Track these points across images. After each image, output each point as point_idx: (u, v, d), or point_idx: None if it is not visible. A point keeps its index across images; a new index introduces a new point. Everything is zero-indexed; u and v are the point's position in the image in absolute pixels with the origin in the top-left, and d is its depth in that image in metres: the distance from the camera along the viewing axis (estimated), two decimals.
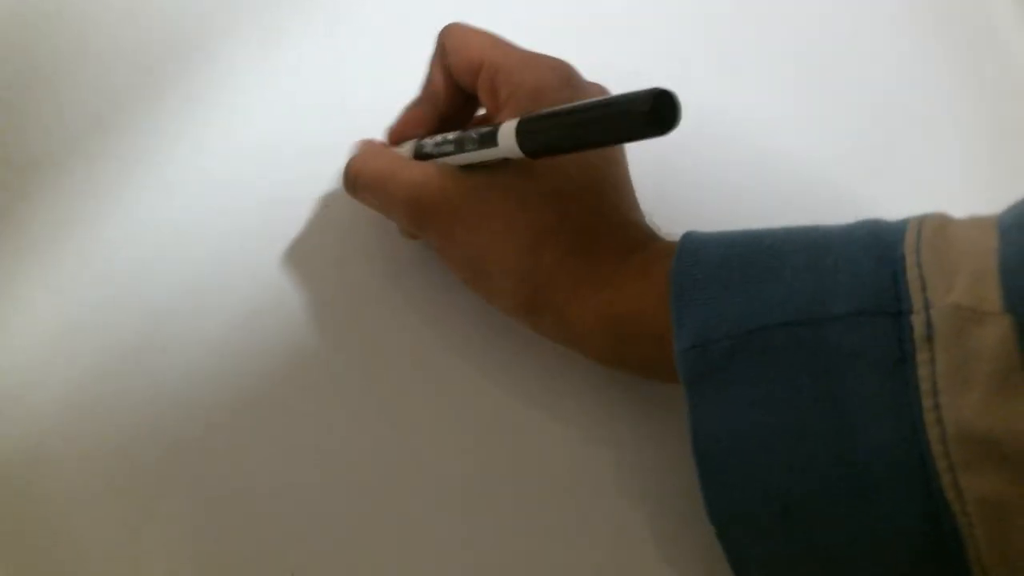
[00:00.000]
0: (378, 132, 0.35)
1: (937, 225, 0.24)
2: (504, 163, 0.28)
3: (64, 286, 0.34)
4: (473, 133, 0.28)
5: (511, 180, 0.28)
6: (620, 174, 0.30)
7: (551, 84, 0.29)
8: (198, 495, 0.31)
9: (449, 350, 0.33)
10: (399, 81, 0.35)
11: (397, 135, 0.34)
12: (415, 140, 0.33)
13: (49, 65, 0.40)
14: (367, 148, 0.34)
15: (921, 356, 0.22)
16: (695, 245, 0.27)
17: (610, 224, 0.29)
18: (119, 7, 0.41)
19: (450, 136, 0.30)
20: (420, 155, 0.32)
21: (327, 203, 0.36)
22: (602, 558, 0.30)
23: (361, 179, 0.32)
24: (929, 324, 0.22)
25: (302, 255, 0.35)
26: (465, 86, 0.32)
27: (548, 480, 0.31)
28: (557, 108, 0.25)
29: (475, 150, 0.28)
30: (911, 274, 0.23)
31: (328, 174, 0.36)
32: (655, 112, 0.21)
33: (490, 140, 0.27)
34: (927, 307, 0.22)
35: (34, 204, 0.36)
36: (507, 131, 0.26)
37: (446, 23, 0.33)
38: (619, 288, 0.27)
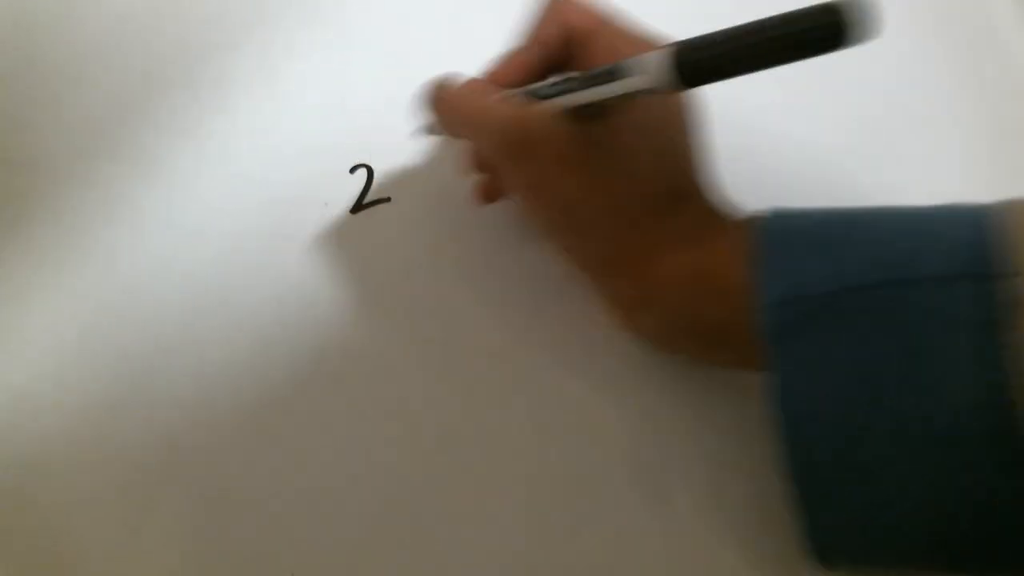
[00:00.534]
0: (403, 132, 0.35)
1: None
2: (614, 114, 0.28)
3: (64, 286, 0.34)
4: (609, 66, 0.27)
5: (615, 134, 0.29)
6: (696, 143, 0.30)
7: None
8: (198, 495, 0.31)
9: (450, 355, 0.33)
10: (411, 82, 0.35)
11: (501, 77, 0.31)
12: (520, 89, 0.31)
13: (57, 67, 0.40)
14: (464, 80, 0.32)
15: (1010, 321, 0.22)
16: (784, 212, 0.27)
17: (695, 187, 0.30)
18: (129, 11, 0.41)
19: (575, 73, 0.29)
20: (532, 96, 0.30)
21: (342, 204, 0.36)
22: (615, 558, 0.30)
23: (453, 93, 0.31)
24: (1020, 290, 0.22)
25: (312, 256, 0.35)
26: (573, 44, 0.31)
27: (551, 481, 0.31)
28: (716, 32, 0.24)
29: (608, 83, 0.27)
30: (1006, 241, 0.23)
31: (344, 172, 0.36)
32: (833, 24, 0.20)
33: (632, 70, 0.25)
34: (1019, 273, 0.22)
35: (45, 206, 0.36)
36: (655, 57, 0.24)
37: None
38: (704, 247, 0.28)
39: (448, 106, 0.32)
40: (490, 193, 0.34)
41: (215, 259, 0.35)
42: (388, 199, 0.36)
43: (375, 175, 0.37)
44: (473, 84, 0.31)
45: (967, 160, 0.38)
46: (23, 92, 0.39)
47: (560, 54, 0.31)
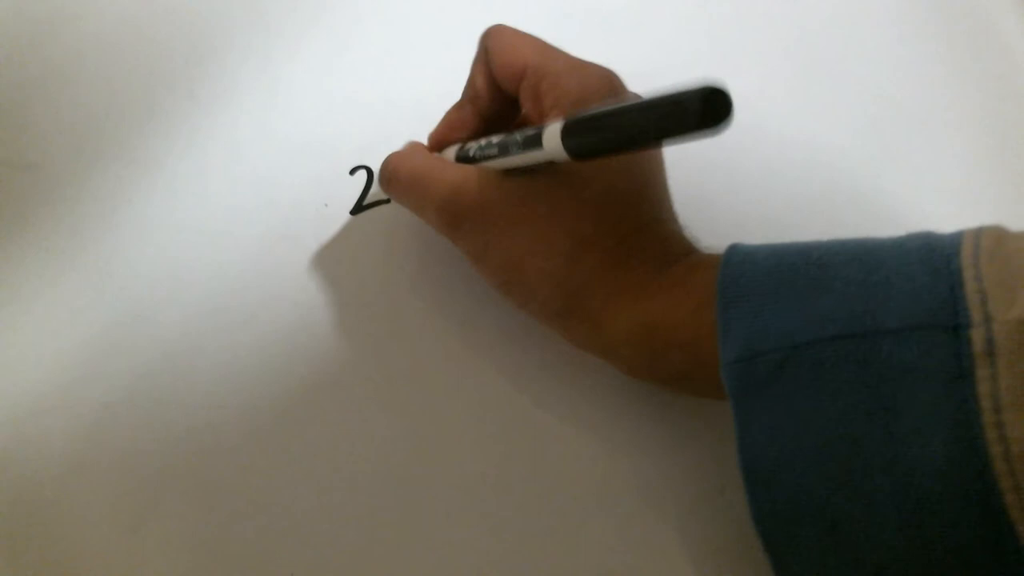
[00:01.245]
0: (402, 132, 0.35)
1: (996, 237, 0.23)
2: (546, 168, 0.28)
3: (64, 287, 0.34)
4: (518, 136, 0.27)
5: (551, 186, 0.28)
6: (660, 183, 0.30)
7: (597, 91, 0.28)
8: (198, 496, 0.31)
9: (450, 355, 0.33)
10: (433, 82, 0.35)
11: (439, 138, 0.33)
12: (458, 144, 0.32)
13: (57, 68, 0.40)
14: (408, 147, 0.33)
15: (981, 372, 0.21)
16: (740, 256, 0.26)
17: (649, 234, 0.29)
18: (129, 12, 0.41)
19: (494, 139, 0.29)
20: (463, 159, 0.31)
21: (342, 204, 0.36)
22: (624, 565, 0.30)
23: (398, 176, 0.32)
24: (991, 339, 0.21)
25: (312, 257, 0.35)
26: (508, 90, 0.31)
27: (554, 485, 0.31)
28: (603, 108, 0.24)
29: (519, 153, 0.27)
30: (970, 287, 0.22)
31: (344, 173, 0.36)
32: (707, 109, 0.20)
33: (535, 142, 0.26)
34: (988, 321, 0.21)
35: (44, 207, 0.36)
36: (552, 132, 0.25)
37: (488, 25, 0.32)
38: (654, 298, 0.27)
39: (394, 186, 0.32)
40: None
41: (215, 260, 0.35)
42: (388, 200, 0.36)
43: (375, 175, 0.37)
44: (413, 147, 0.32)
45: (967, 160, 0.38)
46: (24, 93, 0.39)
47: (497, 104, 0.32)
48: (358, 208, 0.36)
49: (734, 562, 0.29)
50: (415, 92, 0.38)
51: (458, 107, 0.33)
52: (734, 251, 0.26)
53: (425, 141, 0.36)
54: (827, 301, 0.24)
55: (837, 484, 0.23)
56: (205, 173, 0.37)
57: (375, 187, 0.36)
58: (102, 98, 0.39)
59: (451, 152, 0.32)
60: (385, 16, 0.41)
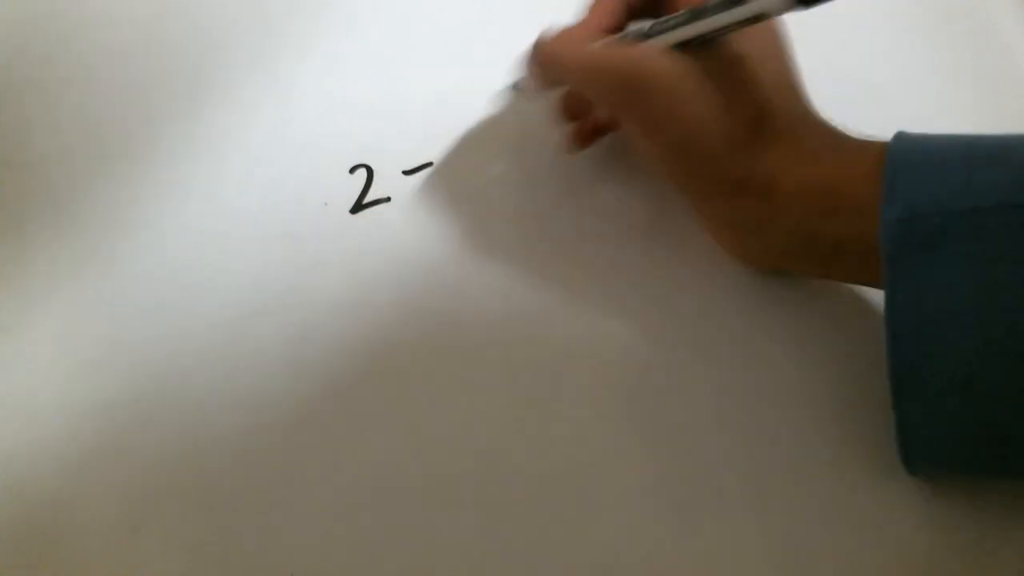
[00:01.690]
0: (402, 131, 0.36)
1: None
2: (716, 47, 0.29)
3: (63, 287, 0.34)
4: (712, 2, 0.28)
5: (722, 63, 0.29)
6: (798, 72, 0.31)
7: None
8: (198, 496, 0.31)
9: (450, 355, 0.33)
10: (433, 82, 0.36)
11: (593, 26, 0.33)
12: (611, 36, 0.32)
13: (58, 68, 0.40)
14: (557, 35, 0.33)
15: None
16: (912, 135, 0.28)
17: (813, 114, 0.31)
18: (130, 12, 0.41)
19: (679, 12, 0.30)
20: (633, 37, 0.31)
21: (342, 204, 0.36)
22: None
23: (565, 60, 0.32)
24: None
25: (312, 256, 0.35)
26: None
27: (556, 482, 0.31)
28: None
29: (719, 12, 0.28)
30: None
31: (344, 172, 0.36)
32: None
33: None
34: None
35: (44, 207, 0.36)
36: None
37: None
38: (825, 164, 0.29)
39: (553, 58, 0.32)
40: (584, 138, 0.35)
41: (214, 259, 0.35)
42: (388, 199, 0.36)
43: (375, 175, 0.37)
44: (571, 33, 0.32)
45: None
46: (24, 92, 0.39)
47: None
48: (358, 207, 0.36)
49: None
50: (415, 92, 0.38)
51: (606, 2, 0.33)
52: (904, 132, 0.28)
53: (427, 138, 0.36)
54: (995, 173, 0.25)
55: (982, 344, 0.25)
56: (205, 173, 0.37)
57: (375, 186, 0.36)
58: (102, 98, 0.39)
59: (602, 43, 0.32)
60: (385, 16, 0.41)
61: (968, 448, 0.27)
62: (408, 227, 0.35)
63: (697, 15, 0.29)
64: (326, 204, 0.36)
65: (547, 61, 0.33)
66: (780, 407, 0.31)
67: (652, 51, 0.30)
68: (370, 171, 0.37)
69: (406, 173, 0.37)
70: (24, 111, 0.39)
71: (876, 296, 0.32)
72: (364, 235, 0.35)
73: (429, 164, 0.37)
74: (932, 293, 0.25)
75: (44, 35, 0.40)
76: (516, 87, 0.36)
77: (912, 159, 0.27)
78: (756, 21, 0.27)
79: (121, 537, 0.30)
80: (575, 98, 0.35)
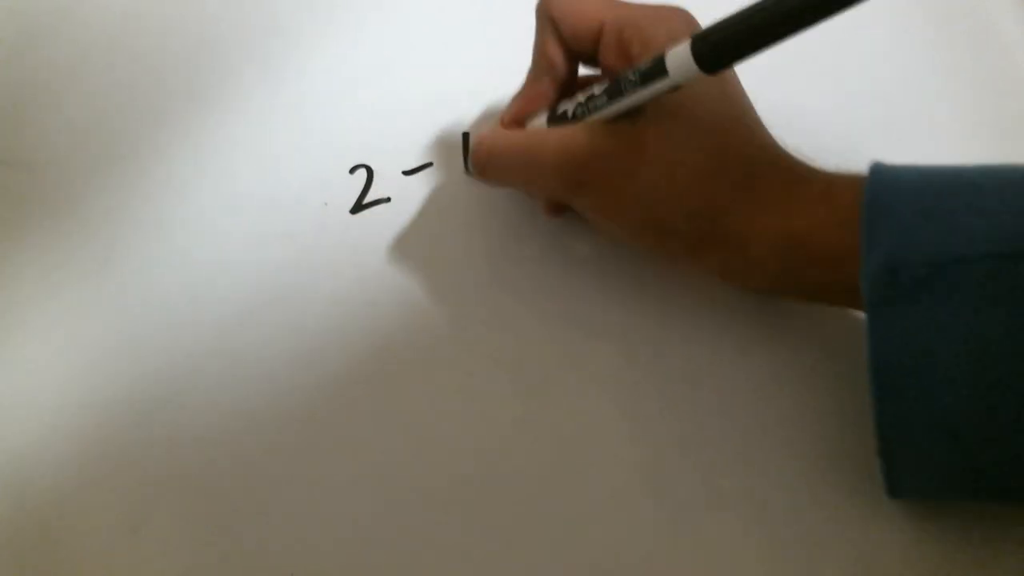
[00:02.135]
0: (402, 131, 0.36)
1: None
2: (650, 108, 0.28)
3: (63, 287, 0.35)
4: (630, 74, 0.27)
5: (665, 125, 0.28)
6: (751, 107, 0.30)
7: (685, 32, 0.28)
8: (198, 496, 0.31)
9: (450, 354, 0.33)
10: (432, 82, 0.36)
11: (518, 114, 0.33)
12: (544, 113, 0.32)
13: (58, 68, 0.40)
14: (493, 130, 0.33)
15: None
16: (887, 173, 0.27)
17: (771, 153, 0.29)
18: (130, 12, 0.41)
19: (597, 90, 0.29)
20: (557, 121, 0.31)
21: (342, 204, 0.36)
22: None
23: (498, 155, 0.32)
24: None
25: (312, 256, 0.35)
26: (581, 51, 0.31)
27: (558, 479, 0.31)
28: (732, 15, 0.24)
29: (635, 90, 0.27)
30: None
31: (344, 172, 0.36)
32: None
33: (656, 72, 0.26)
34: None
35: (43, 206, 0.36)
36: (678, 54, 0.25)
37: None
38: (798, 213, 0.28)
39: (491, 152, 0.32)
40: (556, 209, 0.34)
41: (214, 259, 0.35)
42: (388, 199, 0.36)
43: (375, 175, 0.37)
44: (502, 134, 0.32)
45: (967, 160, 0.38)
46: (24, 92, 0.39)
47: (571, 71, 0.32)
48: (358, 207, 0.36)
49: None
50: (415, 92, 0.38)
51: (534, 81, 0.33)
52: (878, 168, 0.27)
53: (427, 138, 0.36)
54: (979, 222, 0.24)
55: (967, 395, 0.24)
56: (205, 173, 0.37)
57: (375, 186, 0.36)
58: (103, 98, 0.39)
59: (538, 122, 0.32)
60: (385, 16, 0.41)
61: (955, 491, 0.27)
62: (408, 227, 0.35)
63: (614, 94, 0.28)
64: (326, 204, 0.36)
65: (486, 158, 0.32)
66: (772, 422, 0.31)
67: (585, 129, 0.29)
68: (370, 171, 0.37)
69: (406, 173, 0.37)
70: (24, 110, 0.39)
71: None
72: (364, 235, 0.35)
73: (429, 164, 0.37)
74: (916, 343, 0.25)
75: (44, 34, 0.40)
76: (468, 171, 0.36)
77: (890, 204, 0.26)
78: (676, 89, 0.27)
79: (121, 537, 0.30)
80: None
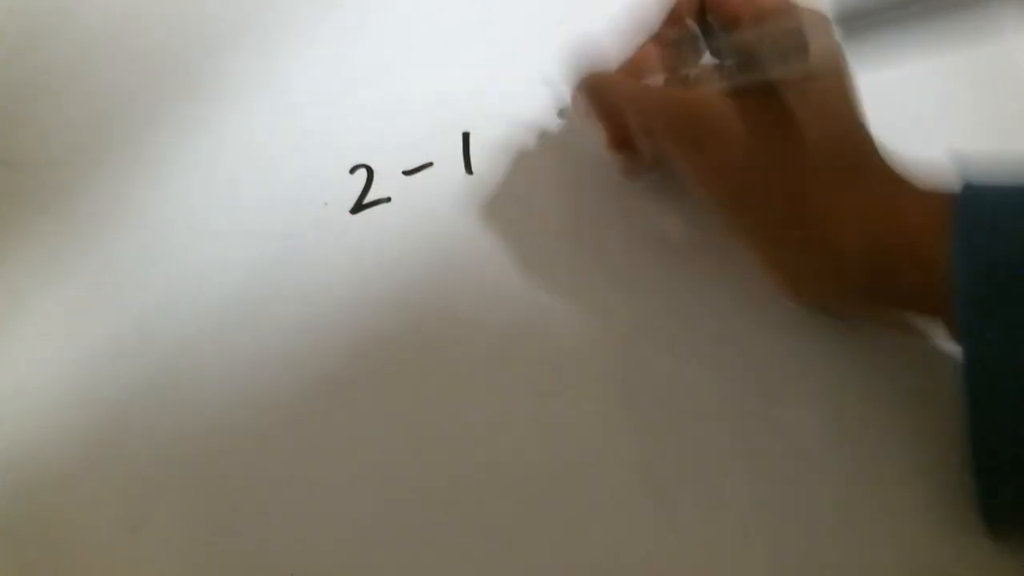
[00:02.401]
0: (402, 131, 0.35)
1: None
2: (777, 90, 0.29)
3: (62, 286, 0.34)
4: (767, 51, 0.28)
5: (783, 110, 0.29)
6: (862, 107, 0.30)
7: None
8: (198, 496, 0.31)
9: (450, 354, 0.33)
10: (432, 82, 0.36)
11: (632, 70, 0.33)
12: (659, 76, 0.32)
13: (58, 67, 0.40)
14: (622, 78, 0.33)
15: None
16: (978, 182, 0.27)
17: (875, 157, 0.29)
18: (131, 11, 0.41)
19: (728, 60, 0.30)
20: (677, 83, 0.32)
21: (342, 204, 0.36)
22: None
23: (623, 88, 0.32)
24: None
25: (312, 256, 0.35)
26: (723, 22, 0.32)
27: (558, 477, 0.31)
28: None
29: (769, 67, 0.28)
30: None
31: (344, 172, 0.36)
32: None
33: (796, 53, 0.26)
34: None
35: (43, 205, 0.36)
36: (824, 44, 0.25)
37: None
38: (886, 215, 0.28)
39: (608, 88, 0.32)
40: (636, 170, 0.35)
41: (214, 259, 0.35)
42: (388, 199, 0.36)
43: (375, 175, 0.37)
44: (622, 81, 0.32)
45: None
46: (24, 92, 0.39)
47: (695, 32, 0.32)
48: (358, 207, 0.36)
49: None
50: (415, 92, 0.38)
51: (652, 45, 0.33)
52: (969, 178, 0.27)
53: (427, 138, 0.36)
54: None
55: None
56: (205, 172, 0.37)
57: (375, 186, 0.36)
58: (102, 98, 0.39)
59: (656, 79, 0.33)
60: (385, 16, 0.41)
61: None
62: (408, 227, 0.35)
63: (746, 67, 0.29)
64: (326, 204, 0.36)
65: (601, 90, 0.32)
66: (778, 426, 0.31)
67: (714, 96, 0.29)
68: (370, 171, 0.37)
69: (406, 173, 0.37)
70: (24, 110, 0.38)
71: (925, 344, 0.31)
72: (364, 235, 0.35)
73: (429, 164, 0.37)
74: (1015, 351, 0.24)
75: (44, 34, 0.40)
76: (562, 114, 0.36)
77: (984, 210, 0.25)
78: (807, 75, 0.27)
79: (121, 537, 0.30)
80: (624, 130, 0.34)
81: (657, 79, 0.33)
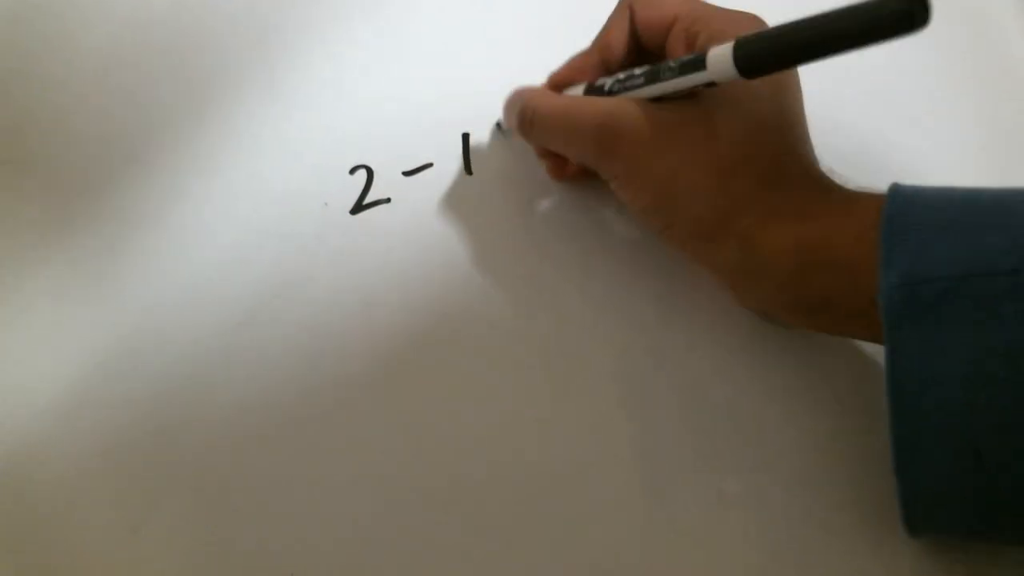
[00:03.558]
0: (402, 130, 0.36)
1: None
2: (692, 96, 0.29)
3: (60, 285, 0.34)
4: (671, 63, 0.28)
5: (701, 112, 0.29)
6: (802, 115, 0.31)
7: (751, 30, 0.29)
8: (198, 496, 0.31)
9: (450, 354, 0.33)
10: (432, 81, 0.37)
11: (561, 80, 0.34)
12: (583, 84, 0.33)
13: (60, 71, 0.40)
14: (537, 90, 0.34)
15: None
16: (907, 191, 0.27)
17: (801, 160, 0.30)
18: (131, 12, 0.41)
19: (637, 71, 0.30)
20: (594, 93, 0.32)
21: (342, 204, 0.36)
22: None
23: (541, 113, 0.32)
24: None
25: (312, 256, 0.35)
26: (649, 39, 0.32)
27: (561, 477, 0.31)
28: (780, 25, 0.25)
29: (672, 78, 0.28)
30: None
31: (344, 172, 0.36)
32: (913, 10, 0.21)
33: (695, 66, 0.27)
34: None
35: (42, 204, 0.36)
36: (720, 53, 0.26)
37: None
38: (814, 220, 0.28)
39: (531, 109, 0.33)
40: (561, 173, 0.35)
41: (213, 259, 0.35)
42: (388, 199, 0.36)
43: (375, 175, 0.37)
44: (546, 95, 0.33)
45: (966, 160, 0.38)
46: (24, 93, 0.39)
47: (627, 57, 0.33)
48: (358, 207, 0.36)
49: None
50: (415, 92, 0.38)
51: (585, 55, 0.34)
52: (899, 186, 0.27)
53: (427, 138, 0.35)
54: (1002, 237, 0.24)
55: (992, 413, 0.24)
56: (205, 173, 0.37)
57: (375, 186, 0.36)
58: (102, 97, 0.39)
59: (576, 91, 0.33)
60: (385, 16, 0.41)
61: (976, 519, 0.26)
62: (408, 227, 0.35)
63: (652, 78, 0.29)
64: (326, 204, 0.36)
65: (531, 116, 0.33)
66: (778, 429, 0.31)
67: (627, 102, 0.30)
68: (370, 171, 0.37)
69: (406, 173, 0.37)
70: (24, 110, 0.38)
71: (876, 350, 0.31)
72: (364, 235, 0.35)
73: (429, 164, 0.37)
74: (937, 360, 0.24)
75: (44, 34, 0.40)
76: (500, 128, 0.37)
77: (911, 219, 0.26)
78: (712, 86, 0.27)
79: (121, 537, 0.30)
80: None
81: (577, 90, 0.33)
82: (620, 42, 0.32)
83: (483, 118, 0.37)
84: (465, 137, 0.37)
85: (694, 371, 0.32)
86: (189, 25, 0.40)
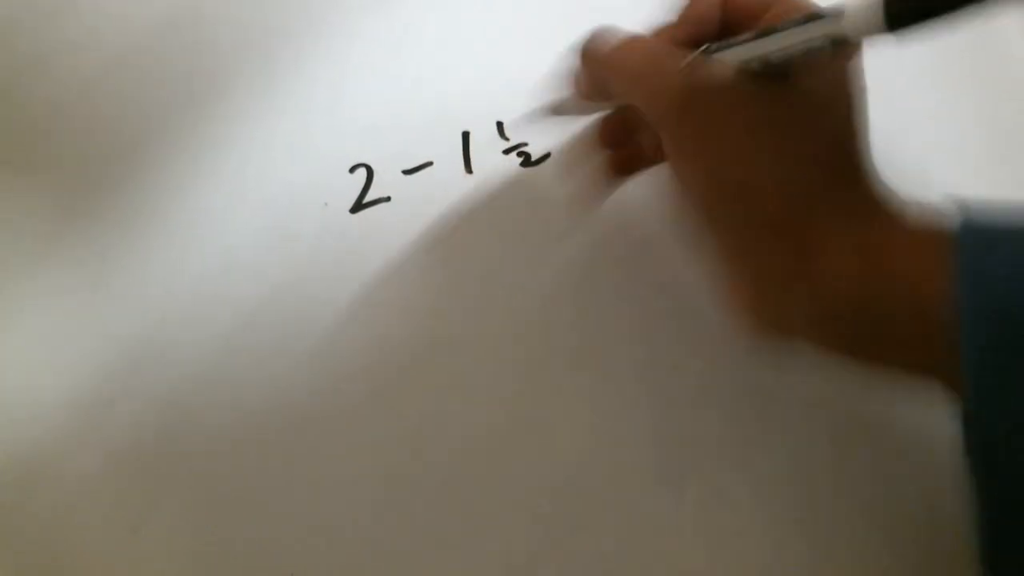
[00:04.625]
0: (402, 130, 0.35)
1: None
2: (791, 80, 0.27)
3: (60, 285, 0.34)
4: (794, 19, 0.26)
5: (787, 95, 0.27)
6: (865, 125, 0.28)
7: None
8: (198, 495, 0.31)
9: (450, 354, 0.33)
10: (433, 81, 0.36)
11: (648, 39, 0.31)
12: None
13: (61, 72, 0.40)
14: (627, 36, 0.30)
15: None
16: (975, 207, 0.24)
17: (869, 167, 0.28)
18: (131, 13, 0.41)
19: (747, 35, 0.27)
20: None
21: (342, 204, 0.36)
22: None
23: (628, 47, 0.29)
24: None
25: (312, 256, 0.35)
26: (740, 19, 0.29)
27: (563, 478, 0.31)
28: None
29: (792, 28, 0.25)
30: None
31: (344, 172, 0.36)
32: None
33: (829, 16, 0.24)
34: None
35: (41, 204, 0.36)
36: (864, 3, 0.23)
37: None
38: (873, 224, 0.26)
39: (610, 61, 0.30)
40: (622, 167, 0.33)
41: (213, 259, 0.35)
42: (388, 199, 0.36)
43: (375, 175, 0.37)
44: (636, 40, 0.30)
45: (965, 160, 0.38)
46: (24, 93, 0.39)
47: (710, 34, 0.30)
48: (358, 207, 0.36)
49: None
50: (415, 92, 0.38)
51: (673, 25, 0.30)
52: (967, 214, 0.24)
53: (427, 138, 0.35)
54: None
55: None
56: (204, 173, 0.37)
57: (375, 186, 0.36)
58: (102, 98, 0.39)
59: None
60: (385, 16, 0.41)
61: None
62: (408, 227, 0.35)
63: (766, 32, 0.27)
64: (326, 204, 0.36)
65: (606, 36, 0.30)
66: (783, 433, 0.31)
67: (719, 64, 0.27)
68: (370, 171, 0.37)
69: (406, 173, 0.37)
70: (24, 110, 0.38)
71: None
72: (364, 235, 0.35)
73: (429, 164, 0.37)
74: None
75: (44, 34, 0.40)
76: (553, 107, 0.35)
77: (986, 238, 0.23)
78: (834, 48, 0.25)
79: (121, 537, 0.30)
80: (618, 122, 0.33)
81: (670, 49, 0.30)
82: (714, 15, 0.29)
83: (483, 118, 0.37)
84: (465, 137, 0.37)
85: (695, 371, 0.32)
86: (189, 26, 0.40)
